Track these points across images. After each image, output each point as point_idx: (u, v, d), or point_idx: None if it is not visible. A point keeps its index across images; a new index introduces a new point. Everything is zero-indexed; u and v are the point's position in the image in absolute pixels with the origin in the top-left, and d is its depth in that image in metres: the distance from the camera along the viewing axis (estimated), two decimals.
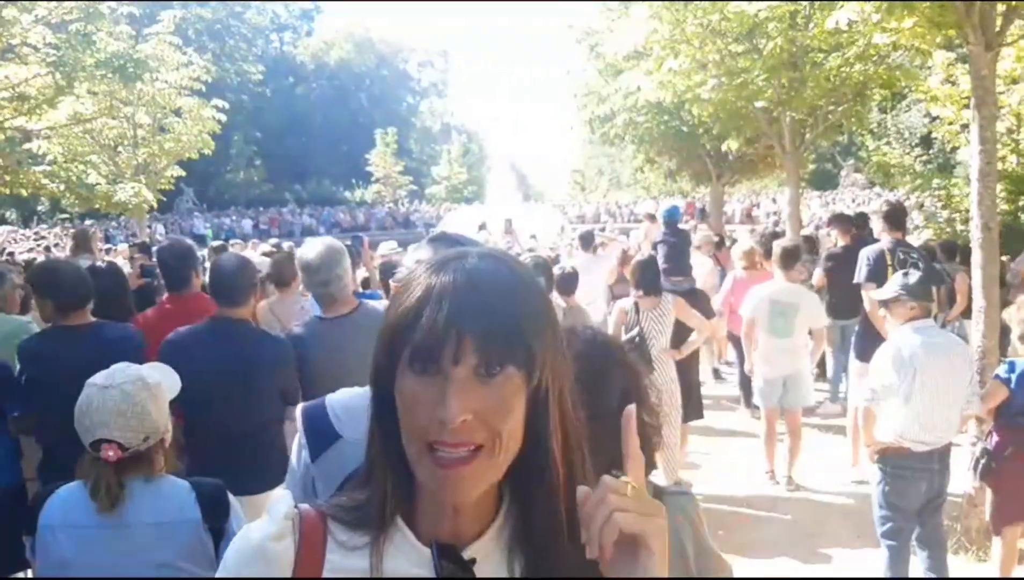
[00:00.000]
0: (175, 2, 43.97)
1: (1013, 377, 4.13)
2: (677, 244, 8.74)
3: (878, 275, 6.29)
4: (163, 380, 2.32)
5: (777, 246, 6.58)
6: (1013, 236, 7.61)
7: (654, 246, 8.79)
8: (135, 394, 2.16)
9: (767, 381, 6.33)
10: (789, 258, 6.37)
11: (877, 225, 6.77)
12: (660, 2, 7.30)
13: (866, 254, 6.45)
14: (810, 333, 6.46)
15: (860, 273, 6.41)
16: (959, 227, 9.20)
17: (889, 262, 6.24)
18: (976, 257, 5.50)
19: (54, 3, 9.93)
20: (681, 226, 9.59)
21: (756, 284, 6.66)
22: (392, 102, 63.35)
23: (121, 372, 2.22)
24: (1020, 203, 8.80)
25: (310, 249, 3.41)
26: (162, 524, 2.15)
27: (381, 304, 3.57)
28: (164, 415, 2.25)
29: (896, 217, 6.53)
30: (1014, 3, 5.40)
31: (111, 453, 2.10)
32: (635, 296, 5.76)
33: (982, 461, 4.27)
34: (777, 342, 6.21)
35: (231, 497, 2.28)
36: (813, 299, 6.49)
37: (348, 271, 3.50)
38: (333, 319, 3.37)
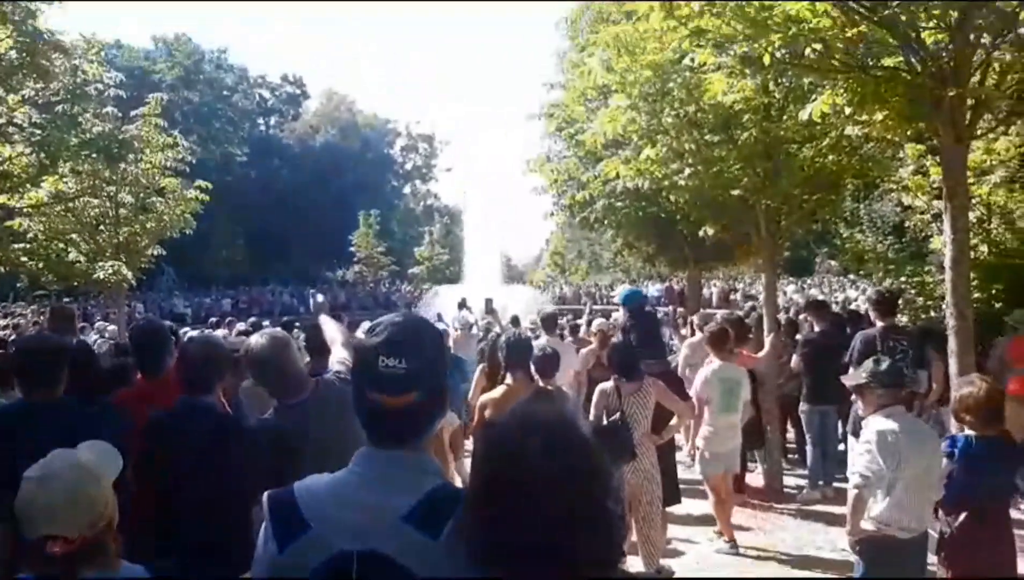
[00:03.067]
0: (163, 85, 44.86)
1: (955, 451, 4.17)
2: (644, 326, 8.70)
3: (866, 359, 6.44)
4: (103, 461, 2.24)
5: (706, 330, 7.16)
6: (988, 324, 7.70)
7: (623, 331, 8.73)
8: (76, 483, 2.09)
9: (720, 455, 6.61)
10: (718, 341, 6.82)
11: (870, 312, 7.13)
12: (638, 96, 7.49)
13: (860, 337, 6.91)
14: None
15: (851, 355, 6.82)
16: (933, 314, 9.30)
17: (879, 348, 6.44)
18: (951, 344, 5.58)
19: (41, 84, 10.06)
20: (647, 308, 9.56)
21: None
22: (376, 185, 63.99)
23: (59, 460, 2.14)
24: (993, 291, 8.92)
25: (255, 346, 3.37)
26: None
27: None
28: (108, 497, 2.17)
29: (885, 304, 6.86)
30: (983, 97, 5.61)
31: (57, 548, 2.02)
32: (615, 379, 5.73)
33: (936, 538, 4.28)
34: (728, 418, 6.60)
35: None
36: (747, 375, 6.95)
37: (297, 356, 3.50)
38: (296, 404, 3.32)
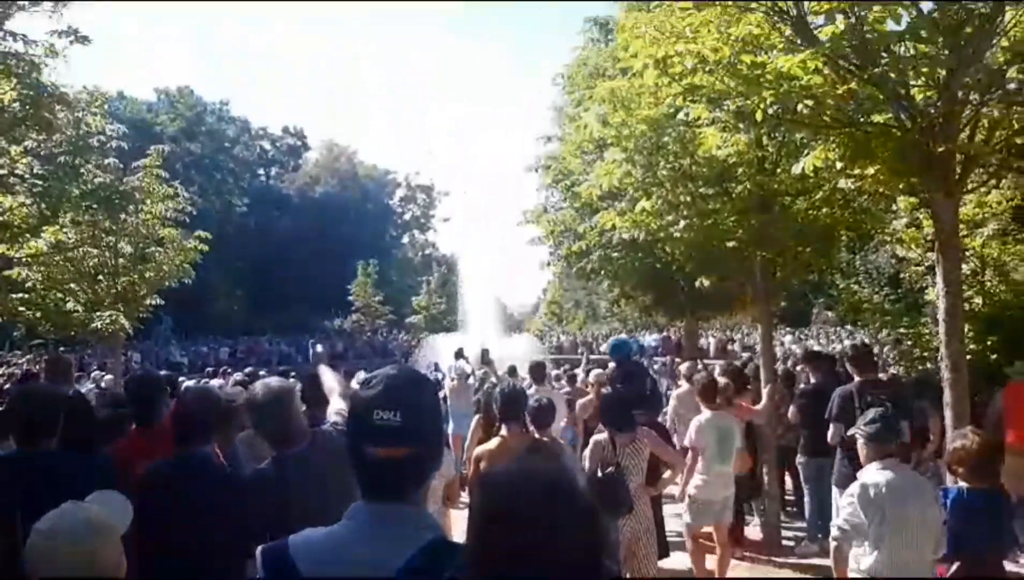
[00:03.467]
0: (165, 136, 45.31)
1: (947, 503, 4.15)
2: (632, 376, 8.68)
3: (845, 414, 6.44)
4: (113, 514, 2.22)
5: (695, 382, 7.11)
6: (984, 375, 7.70)
7: (611, 382, 8.70)
8: (81, 541, 2.04)
9: (712, 503, 6.55)
10: (707, 392, 6.79)
11: (848, 367, 7.07)
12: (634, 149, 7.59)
13: (838, 393, 6.77)
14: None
15: (830, 410, 6.72)
16: (930, 365, 9.30)
17: (857, 403, 6.39)
18: (947, 397, 5.58)
19: (44, 136, 10.15)
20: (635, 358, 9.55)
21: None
22: (375, 235, 64.29)
23: (68, 516, 2.09)
24: (988, 342, 8.93)
25: (259, 392, 3.36)
26: None
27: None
28: (115, 555, 2.13)
29: (862, 359, 6.80)
30: (972, 152, 5.69)
31: None
32: (610, 431, 5.70)
33: None
34: (722, 467, 6.54)
35: None
36: (739, 425, 6.93)
37: (299, 407, 3.49)
38: (294, 454, 3.29)
